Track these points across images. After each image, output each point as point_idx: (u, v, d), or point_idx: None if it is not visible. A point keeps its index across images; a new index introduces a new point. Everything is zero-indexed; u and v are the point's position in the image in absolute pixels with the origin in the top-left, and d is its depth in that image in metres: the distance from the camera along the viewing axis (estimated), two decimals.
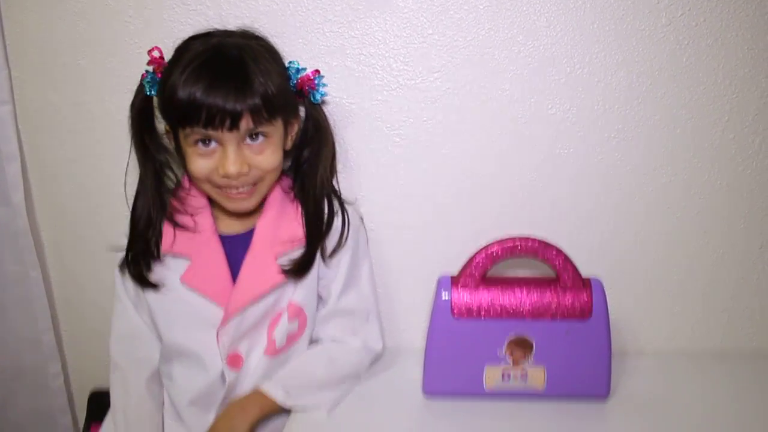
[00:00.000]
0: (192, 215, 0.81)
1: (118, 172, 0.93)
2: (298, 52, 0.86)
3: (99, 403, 0.98)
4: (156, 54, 0.77)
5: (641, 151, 0.90)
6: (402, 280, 0.95)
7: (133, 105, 0.80)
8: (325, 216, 0.83)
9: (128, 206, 0.84)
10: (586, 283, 0.80)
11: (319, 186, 0.82)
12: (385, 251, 0.94)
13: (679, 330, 0.97)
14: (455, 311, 0.78)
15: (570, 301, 0.78)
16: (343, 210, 0.84)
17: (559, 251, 0.79)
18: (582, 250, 0.93)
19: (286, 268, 0.79)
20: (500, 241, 0.80)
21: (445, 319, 0.79)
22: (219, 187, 0.77)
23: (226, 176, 0.75)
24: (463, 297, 0.79)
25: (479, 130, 0.90)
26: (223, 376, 0.79)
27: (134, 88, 0.89)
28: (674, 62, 0.87)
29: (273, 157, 0.77)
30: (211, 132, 0.73)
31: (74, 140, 0.93)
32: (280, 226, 0.81)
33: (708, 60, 0.87)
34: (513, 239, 0.80)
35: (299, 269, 0.80)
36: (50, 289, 1.01)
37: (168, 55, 0.77)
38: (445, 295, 0.79)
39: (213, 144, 0.74)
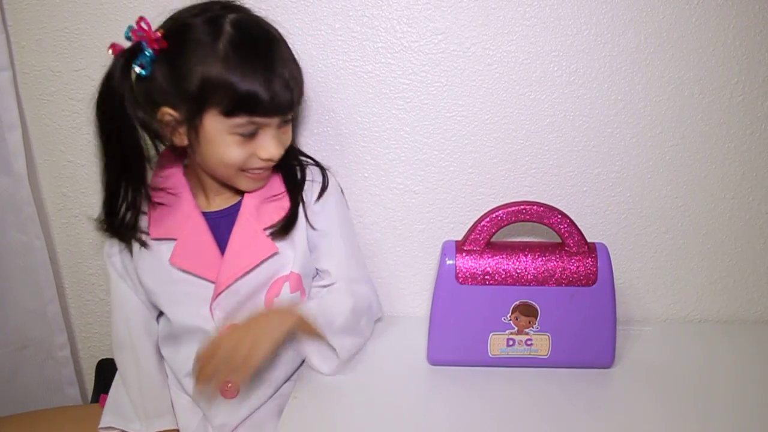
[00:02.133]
0: (173, 195, 0.80)
1: None
2: (299, 14, 0.85)
3: (107, 373, 0.98)
4: (144, 26, 0.71)
5: (648, 114, 0.89)
6: (406, 245, 0.95)
7: (109, 88, 0.72)
8: (298, 170, 0.83)
9: None
10: (591, 248, 0.79)
11: (289, 149, 0.82)
12: (390, 216, 0.94)
13: (684, 296, 0.97)
14: (460, 277, 0.78)
15: (575, 267, 0.78)
16: (317, 163, 0.86)
17: (564, 215, 0.79)
18: (587, 214, 0.93)
19: (272, 230, 0.80)
20: (505, 206, 0.79)
21: (450, 285, 0.78)
22: (245, 170, 0.76)
23: (270, 160, 0.75)
24: (468, 263, 0.78)
25: (484, 93, 0.88)
26: None
27: None
28: (683, 23, 0.86)
29: (290, 135, 0.79)
30: (266, 119, 0.72)
31: (76, 107, 0.92)
32: (266, 198, 0.81)
33: (718, 20, 0.86)
34: (518, 203, 0.79)
35: (284, 226, 0.80)
36: (55, 258, 1.01)
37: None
38: (449, 261, 0.78)
39: (255, 131, 0.73)
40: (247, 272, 0.78)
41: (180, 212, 0.79)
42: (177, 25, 0.72)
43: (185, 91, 0.70)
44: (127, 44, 0.72)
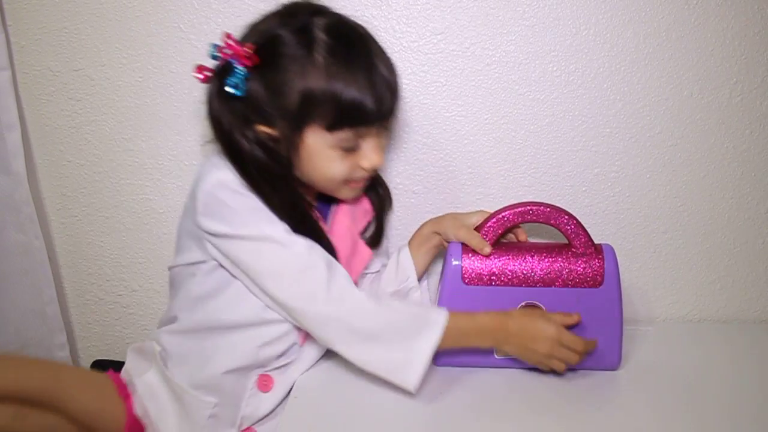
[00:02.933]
0: None
1: (120, 139, 0.93)
2: None
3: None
4: (231, 42, 0.67)
5: (647, 114, 0.89)
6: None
7: (220, 111, 0.69)
8: (380, 188, 0.85)
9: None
10: (598, 250, 0.78)
11: None
12: (392, 218, 0.94)
13: (684, 296, 0.97)
14: (466, 278, 0.77)
15: (582, 268, 0.77)
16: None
17: (571, 216, 0.78)
18: (586, 214, 0.93)
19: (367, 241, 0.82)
20: (512, 206, 0.79)
21: (456, 286, 0.77)
22: (347, 181, 0.74)
23: (374, 169, 0.73)
24: (474, 263, 0.77)
25: (483, 93, 0.89)
26: None
27: (132, 53, 0.89)
28: (682, 23, 0.86)
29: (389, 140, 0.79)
30: (369, 129, 0.70)
31: (75, 107, 0.92)
32: (355, 209, 0.82)
33: (716, 20, 0.86)
34: (524, 204, 0.79)
35: (376, 241, 0.84)
36: (55, 258, 1.01)
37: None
38: (455, 262, 0.78)
39: (357, 144, 0.71)
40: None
41: None
42: (265, 38, 0.68)
43: (284, 108, 0.67)
44: (210, 63, 0.69)
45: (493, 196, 0.93)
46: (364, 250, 0.81)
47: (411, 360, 0.68)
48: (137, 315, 1.02)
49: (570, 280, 0.77)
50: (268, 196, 0.70)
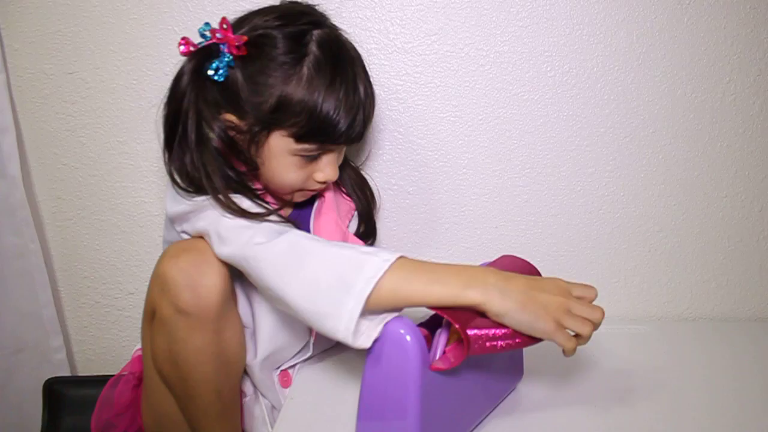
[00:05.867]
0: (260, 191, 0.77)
1: (115, 142, 0.93)
2: None
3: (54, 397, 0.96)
4: (226, 27, 0.67)
5: (641, 113, 0.89)
6: (402, 246, 0.95)
7: (178, 90, 0.68)
8: (366, 185, 0.85)
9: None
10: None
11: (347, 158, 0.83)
12: (384, 217, 0.94)
13: (678, 295, 0.97)
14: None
15: None
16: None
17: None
18: (581, 213, 0.93)
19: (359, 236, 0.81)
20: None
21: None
22: (299, 190, 0.74)
23: (326, 182, 0.74)
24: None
25: (477, 93, 0.89)
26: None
27: (126, 56, 0.89)
28: (675, 22, 0.86)
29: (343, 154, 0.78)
30: (334, 146, 0.71)
31: (70, 110, 0.92)
32: (339, 204, 0.81)
33: (709, 20, 0.86)
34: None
35: (366, 236, 0.83)
36: (50, 262, 1.01)
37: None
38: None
39: (317, 157, 0.71)
40: None
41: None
42: (259, 35, 0.67)
43: (258, 106, 0.67)
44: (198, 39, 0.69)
45: (488, 197, 0.93)
46: (355, 240, 0.81)
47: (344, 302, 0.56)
48: (133, 318, 1.02)
49: None
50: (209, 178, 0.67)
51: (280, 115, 0.67)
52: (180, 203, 0.70)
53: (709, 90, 0.89)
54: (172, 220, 0.73)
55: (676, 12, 0.86)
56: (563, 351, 0.57)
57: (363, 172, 0.87)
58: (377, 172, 0.92)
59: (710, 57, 0.88)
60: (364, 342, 0.56)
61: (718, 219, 0.94)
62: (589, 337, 0.58)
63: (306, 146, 0.69)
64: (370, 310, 0.57)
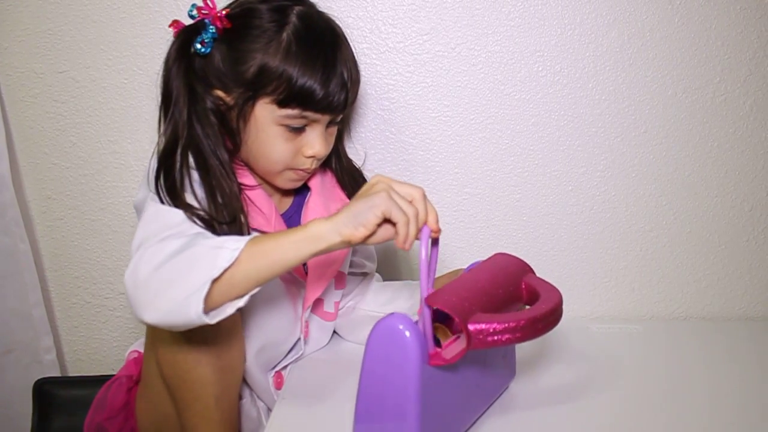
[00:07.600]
0: (250, 189, 0.76)
1: (106, 141, 0.93)
2: None
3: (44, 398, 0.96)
4: (210, 3, 0.70)
5: (632, 113, 0.90)
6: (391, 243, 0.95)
7: (176, 60, 0.70)
8: (358, 176, 0.84)
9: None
10: None
11: (342, 151, 0.83)
12: None
13: (670, 294, 0.98)
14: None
15: None
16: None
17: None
18: (572, 213, 0.94)
19: None
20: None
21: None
22: (290, 168, 0.74)
23: (314, 157, 0.73)
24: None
25: (469, 93, 0.89)
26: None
27: (117, 54, 0.89)
28: (666, 23, 0.86)
29: (334, 138, 0.78)
30: (316, 116, 0.71)
31: (59, 109, 0.92)
32: (330, 197, 0.81)
33: (700, 20, 0.87)
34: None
35: None
36: (40, 262, 1.00)
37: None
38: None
39: (303, 127, 0.72)
40: (337, 271, 0.80)
41: (262, 212, 0.75)
42: (243, 8, 0.71)
43: (241, 75, 0.69)
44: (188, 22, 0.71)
45: (480, 196, 0.93)
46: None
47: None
48: (124, 318, 1.01)
49: None
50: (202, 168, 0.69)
51: (261, 79, 0.68)
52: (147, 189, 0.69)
53: (700, 90, 0.89)
54: (137, 209, 0.72)
55: (667, 13, 0.86)
56: (397, 239, 0.59)
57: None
58: (368, 172, 0.91)
59: (701, 57, 0.88)
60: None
61: (709, 218, 0.94)
62: (423, 211, 0.62)
63: (288, 111, 0.69)
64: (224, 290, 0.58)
